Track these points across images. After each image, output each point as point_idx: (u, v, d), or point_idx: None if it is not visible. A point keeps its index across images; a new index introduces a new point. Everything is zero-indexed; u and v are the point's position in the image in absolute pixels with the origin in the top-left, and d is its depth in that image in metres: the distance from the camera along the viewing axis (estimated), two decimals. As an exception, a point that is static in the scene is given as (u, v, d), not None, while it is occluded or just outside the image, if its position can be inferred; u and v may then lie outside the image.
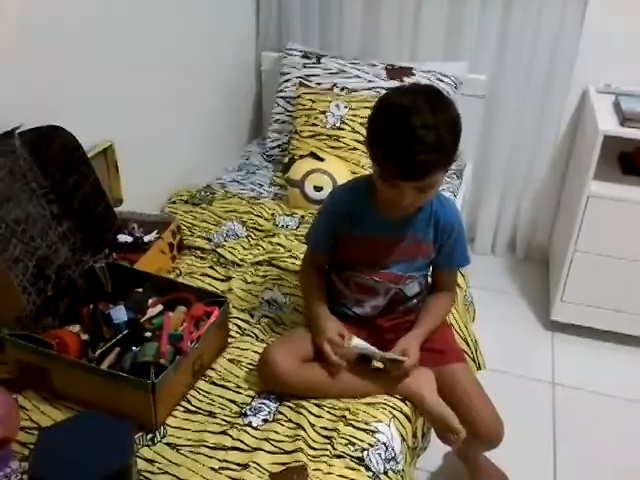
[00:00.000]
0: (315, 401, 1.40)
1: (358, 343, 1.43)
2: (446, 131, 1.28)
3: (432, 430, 1.64)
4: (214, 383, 1.44)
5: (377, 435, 1.32)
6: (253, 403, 1.39)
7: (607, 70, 2.45)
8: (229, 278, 1.82)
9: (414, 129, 1.25)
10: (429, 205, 1.47)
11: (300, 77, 2.51)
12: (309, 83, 2.49)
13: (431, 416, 1.45)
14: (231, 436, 1.30)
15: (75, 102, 1.74)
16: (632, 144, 2.32)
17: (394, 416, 1.39)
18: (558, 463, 1.91)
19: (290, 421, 1.35)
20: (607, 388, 2.19)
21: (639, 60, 2.40)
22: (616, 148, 2.35)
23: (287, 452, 1.27)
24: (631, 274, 2.27)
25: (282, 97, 2.57)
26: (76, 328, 1.50)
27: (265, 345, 1.51)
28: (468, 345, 1.77)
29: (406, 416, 1.42)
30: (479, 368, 1.80)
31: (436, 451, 1.82)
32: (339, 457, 1.27)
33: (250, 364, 1.50)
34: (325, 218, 1.55)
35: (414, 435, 1.47)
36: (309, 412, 1.37)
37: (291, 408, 1.38)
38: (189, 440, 1.29)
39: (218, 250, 1.93)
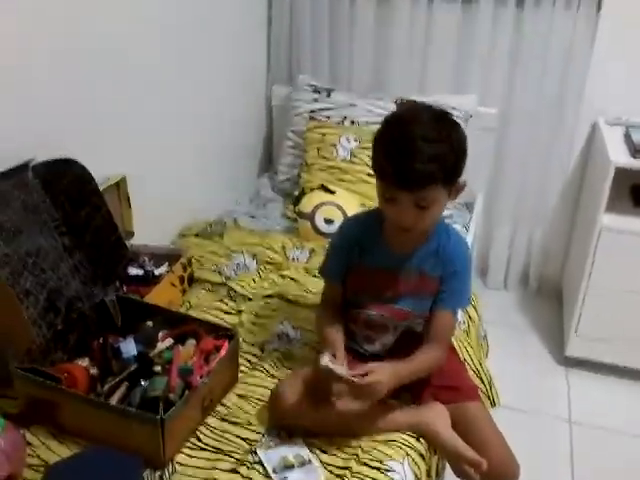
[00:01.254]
0: (326, 438, 1.37)
1: (327, 363, 1.34)
2: (447, 146, 1.29)
3: (446, 469, 1.61)
4: (224, 419, 1.42)
5: (391, 474, 1.29)
6: (263, 440, 1.36)
7: (617, 102, 2.45)
8: (239, 311, 1.80)
9: (414, 139, 1.27)
10: (437, 237, 1.45)
11: (310, 111, 2.53)
12: (319, 117, 2.50)
13: (447, 451, 1.41)
14: (241, 474, 1.27)
15: (88, 135, 1.76)
16: (645, 176, 2.31)
17: (408, 454, 1.35)
18: (576, 504, 1.86)
19: (301, 459, 1.31)
20: (625, 425, 2.14)
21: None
22: (627, 180, 2.34)
23: (299, 491, 1.24)
24: (645, 308, 2.23)
25: (292, 131, 2.58)
26: (85, 362, 1.48)
27: (276, 380, 1.49)
28: (482, 381, 1.74)
29: (420, 454, 1.38)
30: (493, 405, 1.77)
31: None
32: (353, 497, 1.23)
33: (260, 400, 1.47)
34: (338, 248, 1.55)
35: (428, 474, 1.43)
36: (319, 449, 1.34)
37: (302, 445, 1.35)
38: (198, 478, 1.26)
39: (228, 283, 1.92)
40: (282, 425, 1.39)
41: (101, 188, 1.67)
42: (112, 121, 1.85)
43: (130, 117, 1.92)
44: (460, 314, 1.84)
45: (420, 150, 1.26)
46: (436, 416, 1.44)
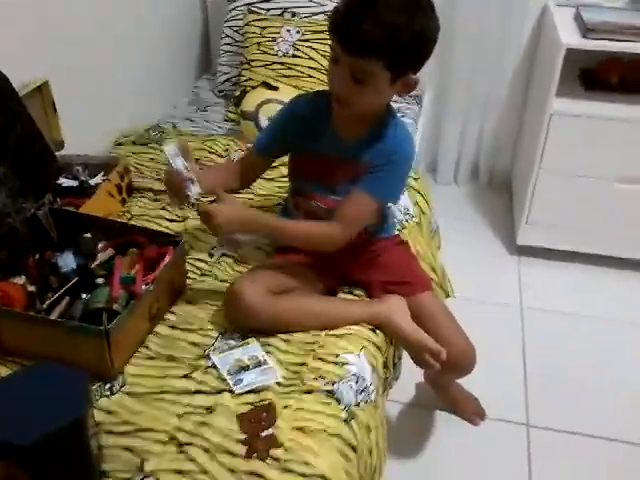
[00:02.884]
0: (283, 336, 1.34)
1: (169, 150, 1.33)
2: (408, 24, 1.19)
3: (402, 360, 1.62)
4: (174, 327, 1.37)
5: (347, 367, 1.28)
6: (216, 344, 1.32)
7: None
8: (185, 219, 1.72)
9: (377, 1, 1.18)
10: (384, 129, 1.37)
11: (248, 4, 2.36)
12: (258, 9, 2.34)
13: (408, 342, 1.40)
14: (195, 379, 1.24)
15: (6, 37, 1.59)
16: (593, 59, 2.26)
17: (364, 346, 1.34)
18: (529, 385, 1.91)
19: (256, 359, 1.29)
20: (575, 308, 2.20)
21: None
22: (576, 65, 2.28)
23: (255, 391, 1.21)
24: (596, 192, 2.24)
25: (230, 26, 2.42)
26: (21, 280, 1.40)
27: (226, 285, 1.45)
28: (435, 273, 1.73)
29: (377, 346, 1.37)
30: (447, 296, 1.78)
31: (408, 382, 1.80)
32: (309, 392, 1.22)
33: (210, 305, 1.43)
34: (278, 121, 1.49)
35: (385, 365, 1.43)
36: (276, 348, 1.31)
37: (257, 346, 1.32)
38: (150, 387, 1.23)
39: (172, 190, 1.82)
40: (242, 326, 1.35)
41: (21, 94, 1.53)
42: (32, 20, 1.67)
43: (54, 17, 1.75)
44: (411, 208, 1.80)
45: (376, 13, 1.17)
46: (395, 308, 1.42)
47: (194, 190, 1.33)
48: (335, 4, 1.22)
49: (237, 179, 1.54)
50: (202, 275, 1.53)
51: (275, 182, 1.85)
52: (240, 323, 1.35)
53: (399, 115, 1.44)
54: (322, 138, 1.41)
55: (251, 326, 1.34)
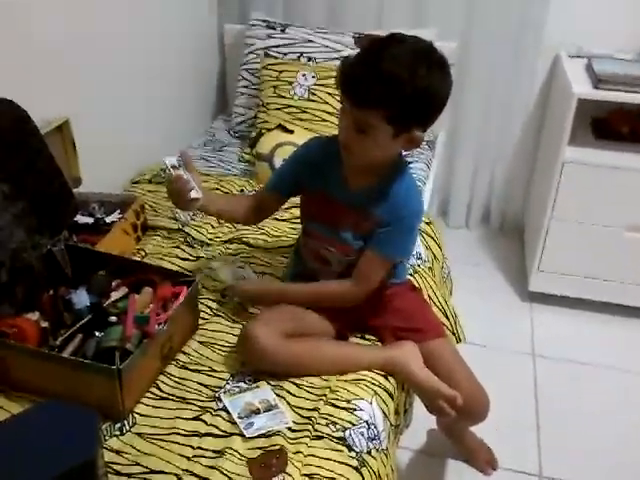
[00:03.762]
0: (294, 380, 1.33)
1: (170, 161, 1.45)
2: (412, 80, 1.20)
3: (414, 407, 1.61)
4: (185, 367, 1.37)
5: (359, 413, 1.26)
6: (227, 386, 1.31)
7: (578, 34, 2.40)
8: (197, 258, 1.73)
9: (382, 55, 1.21)
10: (391, 182, 1.37)
11: (265, 48, 2.42)
12: (274, 54, 2.39)
13: (422, 389, 1.39)
14: (205, 422, 1.23)
15: (24, 74, 1.63)
16: (605, 108, 2.29)
17: (376, 393, 1.33)
18: (542, 435, 1.88)
19: (267, 403, 1.28)
20: (588, 356, 2.17)
21: (610, 22, 2.35)
22: (587, 114, 2.31)
23: (265, 436, 1.20)
24: (607, 240, 2.24)
25: (247, 69, 2.47)
26: (35, 316, 1.40)
27: (238, 326, 1.45)
28: (447, 318, 1.72)
29: (388, 393, 1.36)
30: (459, 341, 1.76)
31: (419, 429, 1.78)
32: (320, 438, 1.20)
33: (222, 346, 1.42)
34: (293, 160, 1.53)
35: (397, 412, 1.42)
36: (288, 392, 1.30)
37: (268, 389, 1.31)
38: (160, 428, 1.22)
39: (185, 229, 1.84)
40: (256, 368, 1.34)
41: (43, 132, 1.56)
42: (52, 59, 1.72)
43: (73, 55, 1.79)
44: (423, 253, 1.81)
45: (380, 66, 1.20)
46: (408, 354, 1.41)
47: (194, 194, 1.42)
48: (349, 51, 1.28)
49: (246, 213, 1.58)
50: (214, 315, 1.53)
51: (288, 223, 1.86)
52: (254, 365, 1.35)
53: (411, 159, 1.47)
54: (331, 182, 1.43)
55: (264, 369, 1.34)
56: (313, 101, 2.23)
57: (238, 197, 1.74)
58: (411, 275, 1.68)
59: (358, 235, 1.42)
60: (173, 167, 1.44)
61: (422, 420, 1.66)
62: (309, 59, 2.36)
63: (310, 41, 2.39)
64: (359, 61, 1.25)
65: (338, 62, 2.24)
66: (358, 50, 1.32)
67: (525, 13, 2.38)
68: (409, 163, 1.48)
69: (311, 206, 1.50)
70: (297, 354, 1.35)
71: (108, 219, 1.74)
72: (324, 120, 2.20)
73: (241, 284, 1.53)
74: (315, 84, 2.24)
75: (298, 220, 1.79)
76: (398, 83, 1.20)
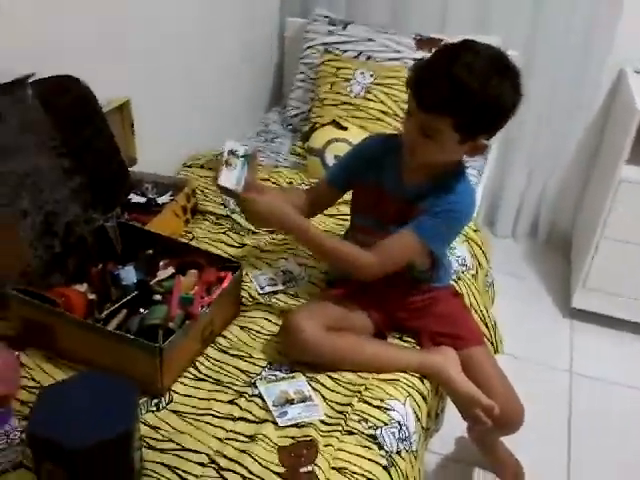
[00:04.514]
0: (331, 374, 1.34)
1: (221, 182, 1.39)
2: (483, 89, 1.20)
3: (445, 412, 1.60)
4: (224, 351, 1.39)
5: (391, 413, 1.26)
6: (264, 373, 1.33)
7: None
8: (243, 245, 1.76)
9: (457, 61, 1.21)
10: (447, 182, 1.36)
11: (325, 44, 2.43)
12: (334, 50, 2.40)
13: (459, 396, 1.38)
14: (239, 406, 1.25)
15: (91, 55, 1.67)
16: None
17: (410, 394, 1.33)
18: (572, 453, 1.85)
19: (302, 394, 1.29)
20: (626, 379, 2.12)
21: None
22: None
23: (297, 426, 1.21)
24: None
25: (305, 64, 2.49)
26: (83, 287, 1.44)
27: (280, 314, 1.47)
28: (487, 327, 1.70)
29: (422, 395, 1.36)
30: (496, 352, 1.74)
31: (448, 434, 1.77)
32: (351, 434, 1.21)
33: (262, 333, 1.44)
34: (350, 156, 1.54)
35: (429, 415, 1.41)
36: (323, 385, 1.31)
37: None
38: (195, 408, 1.24)
39: (233, 216, 1.86)
40: (297, 360, 1.35)
41: (104, 111, 1.60)
42: (118, 43, 1.76)
43: (137, 40, 1.84)
44: (468, 259, 1.79)
45: (453, 73, 1.19)
46: (448, 360, 1.41)
47: (222, 182, 1.39)
48: (413, 56, 1.27)
49: (302, 207, 1.54)
50: (256, 303, 1.55)
51: (335, 219, 1.86)
52: (295, 356, 1.36)
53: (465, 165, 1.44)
54: (386, 177, 1.43)
55: (306, 360, 1.35)
56: (369, 100, 2.23)
57: (296, 190, 1.74)
58: (454, 281, 1.66)
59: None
60: (230, 152, 1.44)
61: (452, 426, 1.65)
62: (368, 58, 2.36)
63: (370, 40, 2.39)
64: (431, 65, 1.25)
65: (397, 62, 2.30)
66: (430, 54, 1.32)
67: (592, 25, 2.33)
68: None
69: (363, 199, 1.50)
70: (339, 348, 1.35)
71: (160, 200, 1.78)
72: (379, 119, 2.20)
73: (263, 198, 1.35)
74: (372, 83, 2.24)
75: (345, 216, 1.80)
76: (468, 92, 1.20)
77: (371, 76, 2.25)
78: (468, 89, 1.19)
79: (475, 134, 1.28)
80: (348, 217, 1.77)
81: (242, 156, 1.44)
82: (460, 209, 1.38)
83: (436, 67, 1.23)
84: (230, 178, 1.41)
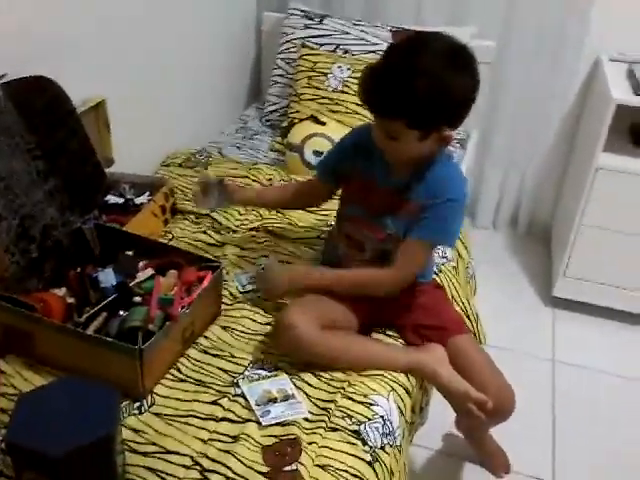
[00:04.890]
0: (314, 371, 1.34)
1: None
2: (429, 84, 1.21)
3: (429, 406, 1.60)
4: (205, 351, 1.38)
5: (375, 408, 1.27)
6: (246, 373, 1.32)
7: (620, 38, 2.35)
8: (223, 244, 1.75)
9: (399, 62, 1.23)
10: (433, 168, 1.38)
11: (302, 38, 2.42)
12: (311, 44, 2.39)
13: (451, 393, 1.38)
14: (222, 406, 1.24)
15: (64, 54, 1.65)
16: (644, 116, 2.25)
17: (393, 389, 1.33)
18: (557, 442, 1.87)
19: (285, 392, 1.29)
20: (609, 366, 2.15)
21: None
22: (627, 119, 2.26)
23: (281, 424, 1.21)
24: (635, 249, 2.20)
25: (282, 59, 2.47)
26: (62, 291, 1.43)
27: (259, 313, 1.46)
28: (469, 319, 1.71)
29: (405, 389, 1.36)
30: (480, 342, 1.75)
31: (433, 427, 1.77)
32: (335, 430, 1.21)
33: (244, 332, 1.44)
34: (340, 146, 1.56)
35: (412, 410, 1.41)
36: (306, 383, 1.31)
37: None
38: (178, 410, 1.23)
39: (213, 215, 1.85)
40: (290, 356, 1.36)
41: (78, 111, 1.58)
42: (91, 42, 1.74)
43: (110, 39, 1.81)
44: (449, 252, 1.80)
45: (396, 75, 1.22)
46: (436, 358, 1.41)
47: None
48: (388, 43, 1.27)
49: (294, 196, 1.64)
50: (237, 302, 1.54)
51: (316, 215, 1.86)
52: (289, 354, 1.36)
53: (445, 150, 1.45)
54: (375, 166, 1.44)
55: (301, 358, 1.35)
56: (347, 93, 2.22)
57: (286, 185, 1.84)
58: (436, 274, 1.67)
59: (398, 221, 1.42)
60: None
61: (437, 419, 1.66)
62: (345, 51, 2.36)
63: (347, 33, 2.38)
64: (375, 72, 1.27)
65: (374, 55, 2.29)
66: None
67: (567, 14, 2.34)
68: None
69: (353, 189, 1.51)
70: (334, 348, 1.35)
71: (138, 200, 1.77)
72: (357, 113, 2.19)
73: (273, 271, 1.47)
74: (350, 76, 2.23)
75: (326, 212, 1.81)
76: (410, 91, 1.21)
77: (348, 69, 2.25)
78: (409, 89, 1.21)
79: (434, 128, 1.29)
80: (328, 212, 1.78)
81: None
82: (450, 196, 1.37)
83: (379, 72, 1.26)
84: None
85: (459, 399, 1.37)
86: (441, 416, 1.55)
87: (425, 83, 1.20)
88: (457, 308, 1.64)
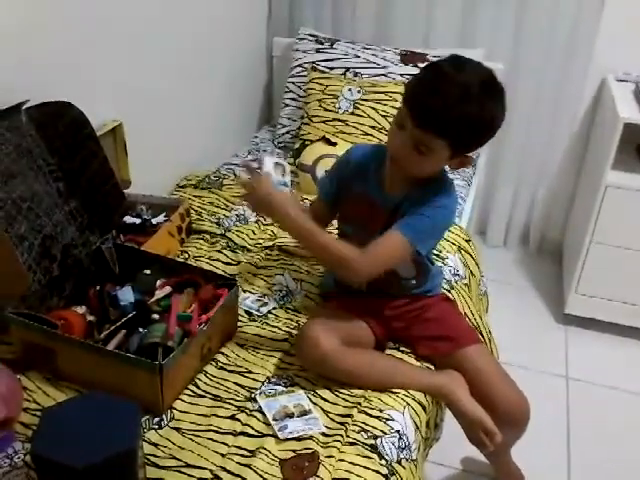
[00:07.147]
0: (330, 386, 1.36)
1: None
2: (480, 113, 1.24)
3: (444, 422, 1.61)
4: (223, 368, 1.40)
5: (391, 423, 1.28)
6: (263, 388, 1.34)
7: (627, 59, 2.40)
8: (238, 262, 1.78)
9: (457, 84, 1.23)
10: (429, 189, 1.38)
11: (312, 62, 2.47)
12: (321, 68, 2.44)
13: (466, 418, 1.39)
14: (240, 421, 1.26)
15: (86, 79, 1.71)
16: (652, 134, 2.27)
17: (408, 404, 1.34)
18: (572, 459, 1.87)
19: (302, 407, 1.30)
20: (621, 383, 2.15)
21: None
22: (634, 139, 2.29)
23: (298, 439, 1.23)
24: (647, 267, 2.22)
25: (293, 82, 2.53)
26: (82, 309, 1.46)
27: (275, 330, 1.48)
28: (482, 335, 1.72)
29: (421, 405, 1.37)
30: (493, 359, 1.76)
31: (447, 444, 1.77)
32: (352, 444, 1.22)
33: (260, 349, 1.46)
34: (338, 164, 1.56)
35: (427, 425, 1.42)
36: (322, 399, 1.33)
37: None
38: (197, 424, 1.25)
39: (227, 234, 1.88)
40: (314, 371, 1.37)
41: (97, 134, 1.63)
42: (108, 67, 1.80)
43: (127, 64, 1.87)
44: (461, 269, 1.82)
45: (452, 96, 1.22)
46: (456, 382, 1.42)
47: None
48: (399, 71, 1.28)
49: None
50: (252, 320, 1.56)
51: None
52: (312, 368, 1.38)
53: (453, 176, 1.49)
54: (370, 184, 1.46)
55: (324, 373, 1.36)
56: (358, 115, 2.27)
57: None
58: (448, 291, 1.69)
59: None
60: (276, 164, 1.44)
61: (452, 436, 1.66)
62: (355, 74, 2.40)
63: (357, 56, 2.43)
64: (429, 86, 1.25)
65: (383, 78, 2.33)
66: (419, 69, 1.34)
67: (574, 35, 2.38)
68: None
69: (349, 208, 1.52)
70: (355, 366, 1.36)
71: (154, 221, 1.80)
72: (367, 134, 2.24)
73: (267, 185, 1.37)
74: (360, 99, 2.28)
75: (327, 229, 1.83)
76: (469, 120, 1.24)
77: (358, 92, 2.29)
78: (468, 117, 1.23)
79: (467, 152, 1.34)
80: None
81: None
82: (444, 204, 1.38)
83: (435, 89, 1.24)
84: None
85: (473, 425, 1.37)
86: (455, 433, 1.54)
87: (476, 111, 1.24)
88: (470, 323, 1.66)
